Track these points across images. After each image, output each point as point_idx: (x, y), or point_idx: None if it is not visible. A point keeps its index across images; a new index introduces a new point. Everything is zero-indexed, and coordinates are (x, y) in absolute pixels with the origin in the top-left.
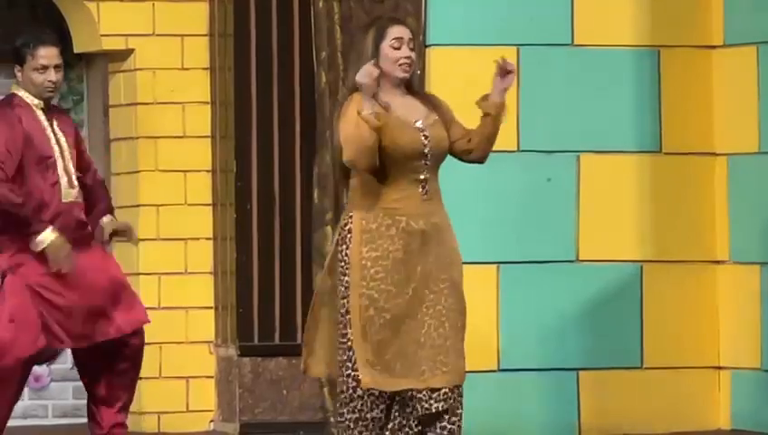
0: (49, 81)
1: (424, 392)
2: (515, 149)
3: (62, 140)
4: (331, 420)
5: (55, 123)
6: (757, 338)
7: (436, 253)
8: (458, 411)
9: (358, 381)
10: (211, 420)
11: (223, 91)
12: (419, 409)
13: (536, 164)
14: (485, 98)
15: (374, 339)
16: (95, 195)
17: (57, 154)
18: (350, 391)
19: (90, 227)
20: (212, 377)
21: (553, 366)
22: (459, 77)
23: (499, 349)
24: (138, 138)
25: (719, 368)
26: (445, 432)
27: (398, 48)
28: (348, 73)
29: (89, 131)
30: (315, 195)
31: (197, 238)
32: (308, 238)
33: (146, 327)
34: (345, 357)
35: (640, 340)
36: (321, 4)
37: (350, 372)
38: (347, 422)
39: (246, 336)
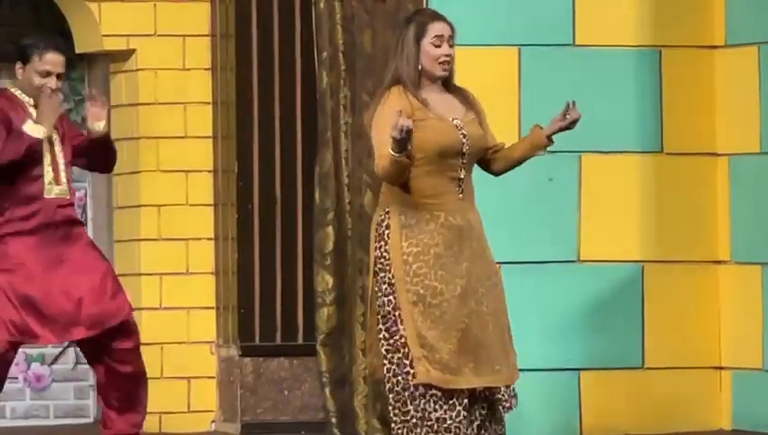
0: (48, 87)
1: (504, 391)
2: None
3: (52, 135)
4: (393, 418)
5: None
6: (759, 338)
7: (477, 250)
8: None
9: (415, 378)
10: (212, 421)
11: (224, 91)
12: (501, 409)
13: (538, 164)
14: (539, 127)
15: (430, 334)
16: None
17: (44, 148)
18: (411, 389)
19: (80, 226)
20: (213, 377)
21: (555, 366)
22: (460, 77)
23: None
24: (139, 138)
25: (720, 368)
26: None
27: (439, 46)
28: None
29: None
30: (317, 195)
31: (199, 239)
32: (309, 239)
33: (147, 327)
34: (400, 354)
35: (642, 340)
36: (322, 5)
37: (407, 369)
38: (413, 420)
39: (248, 336)
